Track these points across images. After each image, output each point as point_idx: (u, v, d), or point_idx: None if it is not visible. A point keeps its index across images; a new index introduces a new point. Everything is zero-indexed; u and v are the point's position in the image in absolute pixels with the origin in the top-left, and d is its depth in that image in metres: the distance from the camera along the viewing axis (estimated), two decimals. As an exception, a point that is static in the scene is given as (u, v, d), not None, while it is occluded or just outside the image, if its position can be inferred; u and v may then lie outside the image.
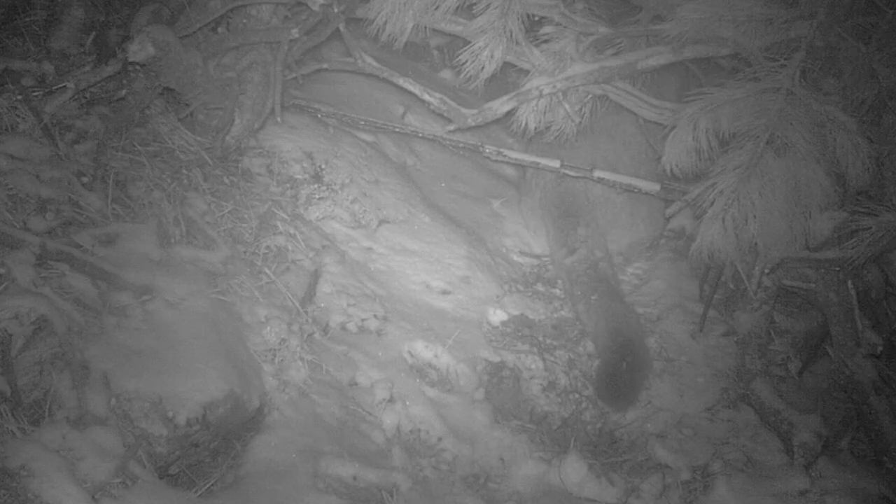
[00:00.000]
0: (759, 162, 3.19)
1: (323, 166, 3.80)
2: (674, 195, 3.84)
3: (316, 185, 3.77)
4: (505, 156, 3.99)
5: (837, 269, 3.66)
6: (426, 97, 3.79)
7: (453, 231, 4.00)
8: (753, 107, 3.26)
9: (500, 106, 3.70)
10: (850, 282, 3.69)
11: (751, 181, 3.21)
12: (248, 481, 2.72)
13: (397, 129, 4.12)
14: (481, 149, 4.00)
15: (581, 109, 3.69)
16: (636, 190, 3.88)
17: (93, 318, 2.77)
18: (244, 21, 3.70)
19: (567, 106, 3.65)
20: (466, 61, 3.42)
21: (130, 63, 3.37)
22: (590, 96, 3.70)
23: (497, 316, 3.76)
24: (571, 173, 3.88)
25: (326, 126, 4.00)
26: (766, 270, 3.68)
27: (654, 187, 3.85)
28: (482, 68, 3.44)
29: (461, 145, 4.08)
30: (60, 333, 2.63)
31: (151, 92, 3.57)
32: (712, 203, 3.25)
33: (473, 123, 3.78)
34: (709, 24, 3.42)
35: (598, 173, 3.85)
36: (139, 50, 3.26)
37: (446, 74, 4.96)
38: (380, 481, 2.87)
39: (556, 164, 3.87)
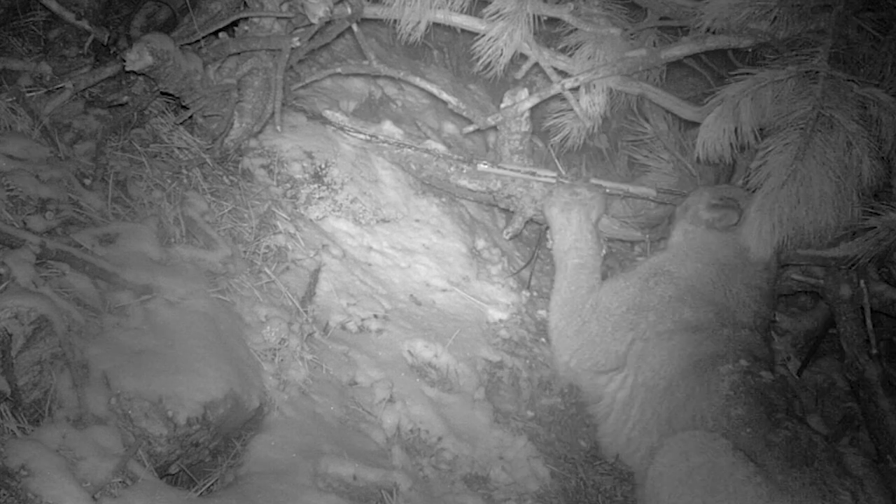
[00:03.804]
0: (810, 141, 3.13)
1: (323, 166, 3.80)
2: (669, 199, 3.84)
3: (316, 185, 3.77)
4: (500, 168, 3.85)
5: (843, 266, 3.64)
6: (445, 97, 3.78)
7: (454, 229, 4.00)
8: (796, 88, 3.22)
9: (522, 104, 3.67)
10: (862, 280, 3.66)
11: (805, 160, 3.14)
12: (248, 480, 2.71)
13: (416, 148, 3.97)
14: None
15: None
16: (631, 195, 3.85)
17: (93, 317, 2.77)
18: (246, 28, 3.68)
19: (583, 103, 3.63)
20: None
21: (128, 72, 3.36)
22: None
23: (497, 314, 3.76)
24: (567, 181, 3.81)
25: (325, 125, 3.99)
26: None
27: (650, 192, 3.84)
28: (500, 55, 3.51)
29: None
30: (60, 333, 2.62)
31: (150, 95, 3.56)
32: (760, 186, 3.20)
33: (493, 123, 3.76)
34: (738, 13, 3.42)
35: (592, 180, 3.83)
36: (137, 59, 3.22)
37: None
38: (380, 481, 2.87)
39: (552, 175, 3.82)
